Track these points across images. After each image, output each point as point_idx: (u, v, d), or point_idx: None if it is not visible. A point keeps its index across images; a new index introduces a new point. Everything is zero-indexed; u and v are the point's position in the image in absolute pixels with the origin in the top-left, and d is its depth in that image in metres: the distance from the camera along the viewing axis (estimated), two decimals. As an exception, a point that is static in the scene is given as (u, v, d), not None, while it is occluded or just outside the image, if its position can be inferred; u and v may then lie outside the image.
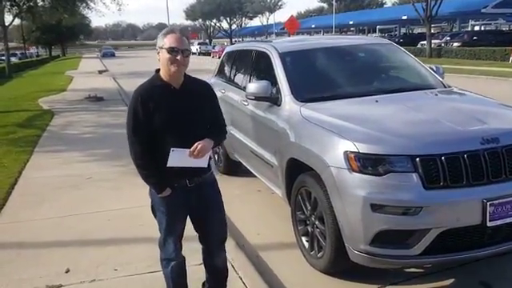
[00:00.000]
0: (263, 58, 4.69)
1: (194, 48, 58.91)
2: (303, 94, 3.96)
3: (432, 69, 4.70)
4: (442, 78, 4.61)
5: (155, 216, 2.75)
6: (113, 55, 57.46)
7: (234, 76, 5.63)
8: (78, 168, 6.36)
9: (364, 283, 3.34)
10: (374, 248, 2.99)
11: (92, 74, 26.57)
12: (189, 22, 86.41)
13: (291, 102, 3.93)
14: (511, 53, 24.73)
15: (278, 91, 4.13)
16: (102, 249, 3.87)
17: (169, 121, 2.47)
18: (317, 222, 3.45)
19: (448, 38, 35.71)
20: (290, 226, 4.04)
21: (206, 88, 2.70)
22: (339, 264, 3.30)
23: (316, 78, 4.36)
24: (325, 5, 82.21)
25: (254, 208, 4.93)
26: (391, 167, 2.93)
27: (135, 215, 4.59)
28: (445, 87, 4.39)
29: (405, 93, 4.04)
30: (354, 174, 3.00)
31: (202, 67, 30.50)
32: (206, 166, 2.56)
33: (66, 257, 3.72)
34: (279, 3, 66.62)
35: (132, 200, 4.99)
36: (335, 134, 3.21)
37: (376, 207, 2.92)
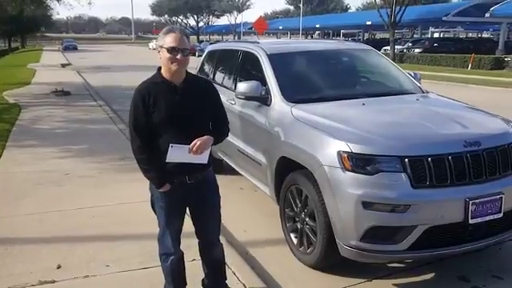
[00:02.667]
0: (251, 58, 4.78)
1: (160, 44, 58.15)
2: (293, 96, 4.08)
3: (410, 75, 4.94)
4: (419, 84, 4.85)
5: (155, 211, 2.79)
6: (75, 48, 55.83)
7: (218, 75, 5.68)
8: (54, 164, 6.23)
9: (350, 277, 3.49)
10: (363, 243, 3.15)
11: (55, 67, 25.83)
12: (154, 18, 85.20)
13: (281, 103, 4.04)
14: (470, 60, 25.88)
15: (268, 92, 4.23)
16: (90, 245, 3.84)
17: (169, 117, 2.51)
18: (307, 219, 3.58)
19: (410, 44, 36.96)
20: (275, 223, 4.16)
21: (208, 86, 2.76)
22: (329, 259, 3.44)
23: (304, 80, 4.50)
24: (291, 7, 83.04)
25: (238, 206, 5.01)
26: (382, 167, 3.09)
27: (119, 212, 4.58)
28: (423, 92, 4.63)
29: (388, 97, 4.24)
30: (347, 172, 3.15)
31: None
32: (205, 162, 2.58)
33: (55, 253, 3.69)
34: (247, 3, 66.85)
35: (114, 197, 4.98)
36: (329, 134, 3.35)
37: (367, 205, 3.07)
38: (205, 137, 2.53)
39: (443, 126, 3.44)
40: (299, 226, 3.73)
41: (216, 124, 2.75)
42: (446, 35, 49.57)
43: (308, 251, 3.61)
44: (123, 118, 10.22)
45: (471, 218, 3.10)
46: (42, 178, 5.60)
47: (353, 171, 3.14)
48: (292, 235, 3.85)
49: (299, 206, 3.69)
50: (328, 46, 5.21)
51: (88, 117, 10.00)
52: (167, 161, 2.48)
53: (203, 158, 2.54)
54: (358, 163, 3.13)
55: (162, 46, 2.50)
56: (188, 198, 2.68)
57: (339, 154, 3.19)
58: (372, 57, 5.08)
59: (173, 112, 2.52)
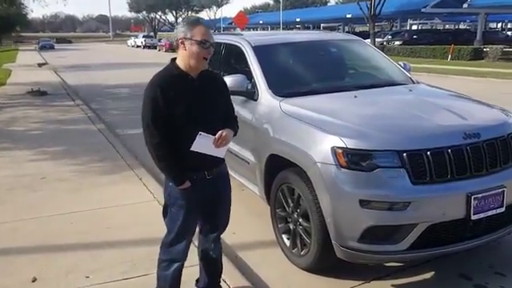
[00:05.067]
0: (235, 51, 4.56)
1: (139, 41, 57.47)
2: (281, 89, 3.87)
3: (400, 65, 4.78)
4: (410, 74, 4.70)
5: (165, 217, 2.64)
6: (52, 47, 54.54)
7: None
8: (29, 167, 5.91)
9: (347, 279, 3.32)
10: (361, 244, 2.97)
11: (31, 67, 25.08)
12: (132, 15, 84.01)
13: (269, 97, 3.83)
14: (450, 51, 26.08)
15: (254, 86, 4.02)
16: (69, 254, 3.58)
17: (188, 111, 2.42)
18: (300, 220, 3.38)
19: (389, 37, 37.11)
20: (264, 224, 3.97)
21: (220, 80, 2.70)
22: (325, 261, 3.26)
23: (292, 73, 4.30)
24: (271, 1, 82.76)
25: (225, 206, 4.80)
26: (379, 162, 2.91)
27: (100, 217, 4.32)
28: (413, 83, 4.47)
29: (380, 88, 4.07)
30: (342, 169, 2.96)
31: (152, 60, 29.80)
32: (223, 156, 2.54)
33: (30, 265, 3.42)
34: (226, -2, 66.29)
35: (94, 201, 4.71)
36: (321, 129, 3.15)
37: (365, 203, 2.89)
38: (227, 129, 2.48)
39: (440, 117, 3.27)
40: (292, 227, 3.53)
41: (229, 119, 2.63)
42: (423, 27, 50.01)
43: (302, 253, 3.41)
44: (102, 117, 9.90)
45: (473, 214, 2.94)
46: (16, 183, 5.29)
47: (348, 168, 2.95)
48: (284, 236, 3.65)
49: (291, 205, 3.50)
50: (315, 36, 5.02)
51: (65, 117, 9.63)
52: (192, 149, 2.38)
53: (222, 152, 2.50)
54: (354, 159, 2.94)
55: (187, 38, 2.37)
56: (206, 193, 2.58)
57: (333, 149, 2.99)
58: (360, 47, 4.90)
59: (192, 105, 2.43)
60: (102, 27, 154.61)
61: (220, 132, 2.42)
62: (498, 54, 24.43)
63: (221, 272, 2.95)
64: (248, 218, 4.44)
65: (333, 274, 3.35)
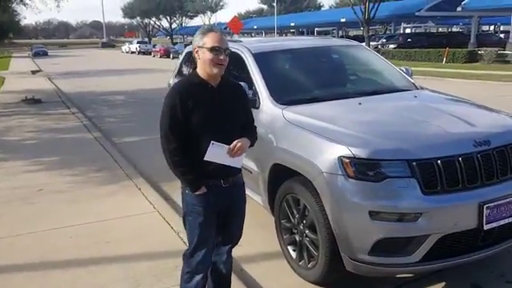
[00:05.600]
0: (234, 58, 4.40)
1: (134, 47, 57.34)
2: (283, 97, 3.79)
3: (402, 70, 4.71)
4: (412, 79, 4.63)
5: (185, 225, 2.63)
6: (45, 54, 54.26)
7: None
8: (25, 179, 5.78)
9: (356, 292, 3.23)
10: (372, 257, 2.88)
11: (25, 74, 24.88)
12: (126, 21, 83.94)
13: (271, 105, 3.75)
14: (444, 54, 26.15)
15: (255, 93, 3.93)
16: (68, 271, 3.46)
17: (207, 119, 2.42)
18: (306, 231, 3.29)
19: (384, 40, 37.18)
20: (268, 234, 3.87)
21: (240, 89, 2.70)
22: (334, 274, 3.16)
23: (294, 80, 4.21)
24: (265, 6, 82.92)
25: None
26: (388, 172, 2.83)
27: (100, 231, 4.21)
28: (417, 88, 4.40)
29: (384, 95, 3.99)
30: (350, 180, 2.87)
31: (146, 66, 29.61)
32: (239, 166, 2.52)
33: (28, 282, 3.31)
34: (221, 3, 66.18)
35: (93, 214, 4.60)
36: (327, 138, 3.07)
37: (375, 215, 2.81)
38: (244, 139, 2.47)
39: (449, 124, 3.19)
40: (298, 239, 3.44)
41: (247, 129, 2.62)
42: (417, 31, 50.18)
43: (309, 266, 3.31)
44: (98, 124, 9.78)
45: (486, 224, 2.86)
46: (11, 195, 5.15)
47: (356, 178, 2.86)
48: (290, 248, 3.55)
49: (297, 216, 3.40)
50: (315, 42, 4.94)
51: (61, 125, 9.51)
52: (205, 159, 2.38)
53: (238, 162, 2.48)
54: (362, 169, 2.86)
55: (201, 46, 2.41)
56: (221, 202, 2.56)
57: (340, 159, 2.90)
58: (362, 53, 4.83)
59: (211, 113, 2.44)
60: (96, 33, 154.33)
61: (235, 142, 2.40)
62: (493, 56, 24.52)
63: (229, 286, 2.88)
64: (252, 230, 4.28)
65: (340, 286, 3.25)
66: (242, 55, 4.30)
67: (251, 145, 2.59)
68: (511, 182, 3.03)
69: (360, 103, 3.66)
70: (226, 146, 2.39)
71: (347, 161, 2.88)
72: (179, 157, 2.43)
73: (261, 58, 4.18)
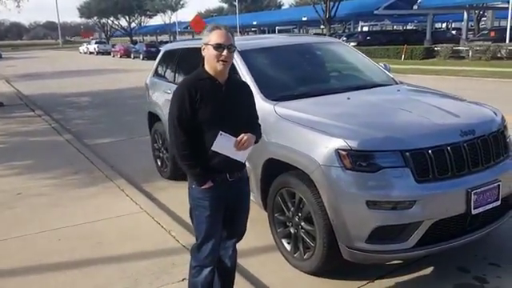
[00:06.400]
0: (220, 56, 4.49)
1: (92, 47, 55.88)
2: (273, 93, 3.86)
3: (381, 66, 4.88)
4: (391, 75, 4.81)
5: (192, 220, 2.66)
6: (-1, 56, 51.97)
7: (181, 75, 5.33)
8: (1, 183, 5.58)
9: (352, 280, 3.35)
10: (369, 244, 3.01)
11: (-21, 77, 23.78)
12: (82, 20, 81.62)
13: (262, 102, 3.80)
14: (402, 51, 27.00)
15: (245, 90, 3.97)
16: (62, 274, 3.41)
17: (214, 114, 2.47)
18: (302, 223, 3.38)
19: (344, 39, 37.94)
20: (259, 229, 3.93)
21: (246, 86, 2.75)
22: (330, 263, 3.26)
23: (281, 77, 4.28)
24: (225, 5, 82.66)
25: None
26: (384, 163, 2.96)
27: (89, 232, 4.15)
28: (396, 83, 4.58)
29: (369, 89, 4.14)
30: (347, 171, 2.99)
31: (107, 67, 28.94)
32: (244, 161, 2.55)
33: (26, 287, 3.22)
34: (181, 2, 65.35)
35: (78, 216, 4.52)
36: (323, 132, 3.16)
37: (372, 204, 2.93)
38: (250, 134, 2.50)
39: (436, 116, 3.36)
40: (292, 231, 3.52)
41: (252, 125, 2.64)
42: (374, 29, 51.53)
43: (305, 257, 3.40)
44: (67, 127, 9.53)
45: (474, 209, 3.05)
46: (-12, 201, 4.98)
47: (353, 169, 2.98)
48: (284, 241, 3.63)
49: (291, 209, 3.48)
50: (298, 40, 5.04)
51: (28, 128, 9.20)
52: (212, 148, 2.43)
53: (243, 156, 2.52)
54: (359, 161, 2.97)
55: (207, 44, 2.47)
56: (228, 194, 2.59)
57: (337, 152, 3.01)
58: (343, 49, 4.97)
59: (218, 109, 2.49)
60: (51, 34, 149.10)
61: (242, 135, 2.45)
62: (449, 52, 25.54)
63: (233, 280, 2.91)
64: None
65: (336, 276, 3.36)
66: (228, 53, 4.33)
67: (256, 141, 2.64)
68: (494, 169, 3.24)
69: (349, 98, 3.79)
70: (234, 138, 2.44)
71: (344, 153, 2.99)
72: (187, 151, 2.47)
73: (247, 55, 4.23)
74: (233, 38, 2.51)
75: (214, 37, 2.44)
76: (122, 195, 5.09)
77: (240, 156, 2.50)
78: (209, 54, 2.46)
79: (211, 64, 2.47)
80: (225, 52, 2.43)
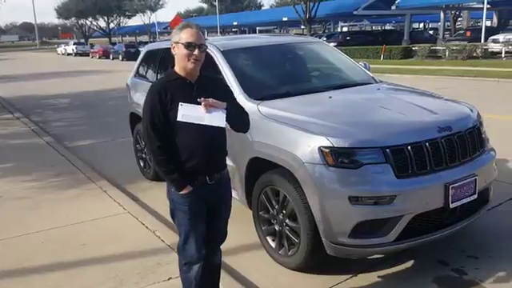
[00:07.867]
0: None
1: (70, 48, 55.09)
2: (256, 93, 3.90)
3: (361, 65, 4.98)
4: (371, 74, 4.91)
5: (174, 220, 2.66)
6: (-27, 58, 50.79)
7: (163, 75, 5.32)
8: (-21, 187, 5.50)
9: (335, 275, 3.41)
10: (351, 239, 3.08)
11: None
12: (60, 21, 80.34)
13: (245, 101, 3.83)
14: (382, 51, 27.39)
15: (228, 90, 4.01)
16: (47, 277, 3.39)
17: None
18: (287, 220, 3.43)
19: (325, 39, 38.30)
20: (244, 227, 3.97)
21: (221, 83, 2.73)
22: (314, 259, 3.33)
23: (264, 76, 4.34)
24: (205, 5, 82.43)
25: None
26: (365, 159, 3.04)
27: (72, 234, 4.12)
28: (376, 82, 4.68)
29: (350, 88, 4.22)
30: (330, 168, 3.05)
31: (86, 68, 28.55)
32: (222, 125, 2.42)
33: (9, 290, 3.20)
34: (160, 2, 64.93)
35: (60, 218, 4.49)
36: (306, 130, 3.22)
37: (354, 199, 3.00)
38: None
39: (414, 113, 3.46)
40: (277, 228, 3.57)
41: (235, 116, 2.54)
42: (353, 29, 52.16)
43: (290, 253, 3.46)
44: (47, 129, 9.41)
45: (452, 202, 3.14)
46: (-32, 205, 4.90)
47: (336, 166, 3.04)
48: (269, 239, 3.68)
49: (276, 207, 3.53)
50: (281, 39, 5.09)
51: (7, 131, 9.06)
52: (178, 119, 2.36)
53: (218, 120, 2.39)
54: (341, 158, 3.04)
55: (177, 42, 2.42)
56: (209, 197, 2.57)
57: (320, 149, 3.07)
58: (324, 49, 5.05)
59: None
60: (28, 35, 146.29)
61: (206, 99, 2.35)
62: (426, 52, 25.99)
63: (219, 277, 2.93)
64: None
65: (320, 271, 3.42)
66: (211, 53, 4.35)
67: (246, 125, 2.65)
68: (470, 164, 3.35)
69: (330, 96, 3.86)
70: (198, 106, 2.35)
71: (327, 151, 3.06)
72: (164, 156, 2.43)
73: (229, 55, 4.27)
74: (204, 37, 2.46)
75: (185, 35, 2.39)
76: (105, 197, 5.07)
77: (214, 120, 2.37)
78: (179, 53, 2.41)
79: (182, 63, 2.43)
80: (196, 51, 2.39)
